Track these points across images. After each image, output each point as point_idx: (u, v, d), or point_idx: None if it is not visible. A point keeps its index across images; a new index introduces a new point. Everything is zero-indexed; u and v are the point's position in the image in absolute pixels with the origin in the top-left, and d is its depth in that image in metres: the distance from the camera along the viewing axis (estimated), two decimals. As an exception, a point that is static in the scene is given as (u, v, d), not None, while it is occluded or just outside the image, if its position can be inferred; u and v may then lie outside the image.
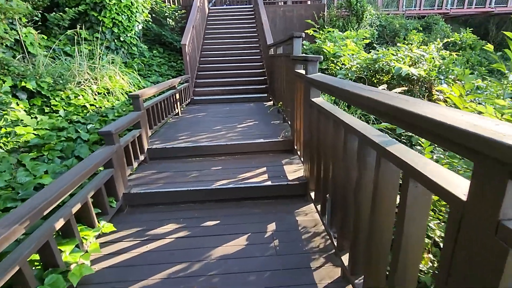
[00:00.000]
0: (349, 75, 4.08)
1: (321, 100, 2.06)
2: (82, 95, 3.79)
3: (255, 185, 2.41)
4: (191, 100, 5.61)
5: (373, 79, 4.29)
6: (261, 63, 6.65)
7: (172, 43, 7.48)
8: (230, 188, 2.39)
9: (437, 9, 12.38)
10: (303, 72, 2.38)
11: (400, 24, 10.23)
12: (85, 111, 3.60)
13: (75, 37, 4.73)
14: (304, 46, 5.40)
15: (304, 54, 2.87)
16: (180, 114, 4.62)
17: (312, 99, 2.08)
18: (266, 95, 5.72)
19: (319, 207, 2.04)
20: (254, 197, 2.42)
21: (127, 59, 6.07)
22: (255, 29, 8.02)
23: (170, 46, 7.56)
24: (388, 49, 4.37)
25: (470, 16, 13.69)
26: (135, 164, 2.71)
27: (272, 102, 5.32)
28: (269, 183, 2.42)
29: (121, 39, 5.79)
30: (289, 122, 3.32)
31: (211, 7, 9.87)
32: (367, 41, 5.41)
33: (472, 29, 10.07)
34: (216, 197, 2.40)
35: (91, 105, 3.73)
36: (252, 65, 6.63)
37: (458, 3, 12.66)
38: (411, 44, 6.17)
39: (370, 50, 5.45)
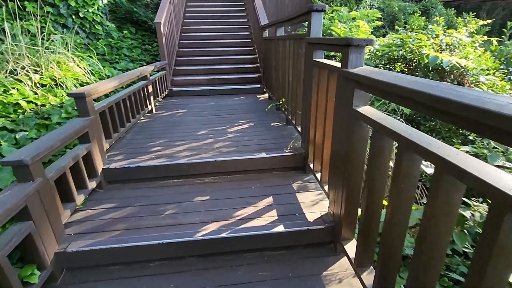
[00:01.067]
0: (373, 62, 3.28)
1: (372, 110, 1.26)
2: (16, 88, 2.80)
3: (260, 232, 1.61)
4: (169, 91, 4.66)
5: (389, 68, 3.53)
6: (251, 47, 5.72)
7: (147, 22, 6.35)
8: (223, 239, 1.58)
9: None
10: (334, 63, 1.56)
11: (399, 7, 9.47)
12: (19, 111, 2.63)
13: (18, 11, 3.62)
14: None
15: (331, 36, 2.03)
16: (154, 111, 3.69)
17: (357, 109, 1.29)
18: (259, 86, 4.85)
19: (368, 275, 1.29)
20: (259, 248, 1.63)
21: (90, 40, 4.97)
22: (243, 7, 6.99)
23: (144, 25, 6.43)
24: (411, 32, 3.59)
25: (466, 1, 13.12)
26: (80, 199, 1.84)
27: (267, 95, 4.47)
28: (280, 228, 1.63)
29: (80, 15, 4.67)
30: (298, 129, 2.51)
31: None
32: (379, 22, 4.63)
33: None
34: (203, 251, 1.60)
35: (28, 102, 2.75)
36: (242, 49, 5.69)
37: (456, -14, 12.02)
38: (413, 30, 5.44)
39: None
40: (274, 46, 3.50)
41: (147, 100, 3.50)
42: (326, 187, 1.83)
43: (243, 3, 7.17)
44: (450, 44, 3.16)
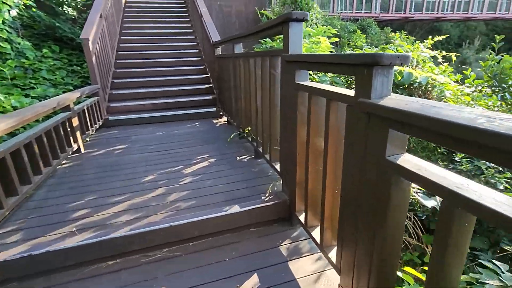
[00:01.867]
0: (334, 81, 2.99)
1: (415, 159, 0.82)
2: None
3: None
4: (104, 121, 3.82)
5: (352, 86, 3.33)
6: (202, 66, 5.18)
7: (74, 39, 5.39)
8: None
9: (365, 12, 12.71)
10: (339, 90, 1.10)
11: (340, 25, 9.95)
12: None
13: None
14: (265, 46, 4.18)
15: (325, 52, 1.59)
16: (82, 151, 2.86)
17: (395, 160, 0.83)
18: (215, 108, 4.30)
19: None
20: None
21: (-9, 61, 3.90)
22: (189, 24, 6.47)
23: (71, 43, 5.45)
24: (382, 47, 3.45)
25: (391, 21, 14.57)
26: None
27: (226, 119, 3.93)
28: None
29: (-24, 29, 3.63)
30: (276, 166, 2.01)
31: (129, -3, 7.89)
32: (336, 39, 4.53)
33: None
34: None
35: None
36: (192, 69, 5.11)
37: (383, 8, 13.29)
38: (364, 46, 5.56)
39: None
40: (232, 65, 3.02)
41: (72, 137, 2.67)
42: (331, 254, 1.33)
43: (188, 19, 6.65)
44: (416, 59, 3.06)
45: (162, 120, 4.07)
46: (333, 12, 11.95)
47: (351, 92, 1.01)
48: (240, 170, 2.30)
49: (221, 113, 4.19)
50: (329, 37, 4.59)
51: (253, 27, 1.96)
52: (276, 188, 1.94)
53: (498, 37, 3.41)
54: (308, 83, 1.39)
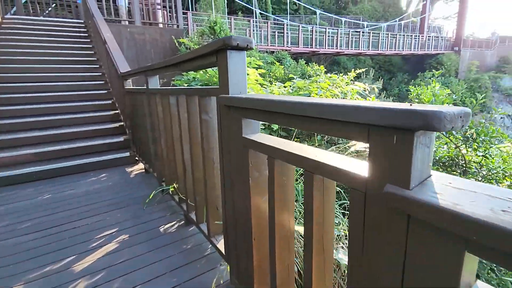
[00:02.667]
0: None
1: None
2: None
3: None
4: (-51, 187, 2.56)
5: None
6: (110, 101, 4.29)
7: None
8: None
9: (278, 46, 13.70)
10: (348, 166, 0.65)
11: (259, 56, 10.30)
12: None
13: None
14: (187, 77, 3.62)
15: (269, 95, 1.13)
16: None
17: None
18: (128, 153, 3.46)
19: None
20: None
21: None
22: (92, 51, 5.49)
23: None
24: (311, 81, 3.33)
25: (301, 54, 16.12)
26: None
27: (143, 166, 3.16)
28: None
29: None
30: (222, 248, 1.43)
31: (7, 17, 6.37)
32: (262, 70, 4.35)
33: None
34: None
35: None
36: (96, 104, 4.16)
37: (294, 43, 14.60)
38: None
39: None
40: (146, 102, 2.38)
41: None
42: None
43: (91, 45, 5.66)
44: (345, 92, 3.03)
45: (54, 174, 3.01)
46: (250, 44, 12.41)
47: (363, 171, 0.58)
48: (165, 252, 1.62)
49: (136, 158, 3.39)
50: (258, 67, 4.40)
51: (175, 57, 1.44)
52: (222, 281, 1.36)
53: (437, 72, 3.79)
54: (265, 140, 0.93)
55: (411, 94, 3.99)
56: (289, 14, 20.47)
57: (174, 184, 1.96)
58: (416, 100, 4.05)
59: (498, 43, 24.66)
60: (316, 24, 17.42)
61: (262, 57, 10.29)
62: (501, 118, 20.29)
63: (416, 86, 3.81)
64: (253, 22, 12.80)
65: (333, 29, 16.11)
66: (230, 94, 1.06)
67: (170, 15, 8.02)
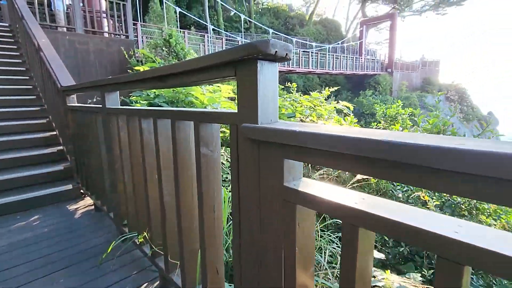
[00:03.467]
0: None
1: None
2: None
3: None
4: None
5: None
6: (44, 120, 3.51)
7: None
8: None
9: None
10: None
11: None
12: None
13: None
14: (147, 93, 3.08)
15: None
16: None
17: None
18: (70, 185, 2.77)
19: None
20: None
21: None
22: (19, 60, 4.57)
23: None
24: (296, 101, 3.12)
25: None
26: None
27: (92, 202, 2.53)
28: None
29: None
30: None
31: None
32: (230, 87, 4.03)
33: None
34: None
35: None
36: (25, 124, 3.35)
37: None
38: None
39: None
40: (101, 124, 1.88)
41: None
42: None
43: (18, 53, 4.72)
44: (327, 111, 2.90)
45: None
46: (205, 59, 12.08)
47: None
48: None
49: (82, 191, 2.73)
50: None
51: (157, 68, 1.04)
52: None
53: (327, 89, 3.91)
54: (322, 191, 0.61)
55: (377, 112, 4.09)
56: (241, 32, 20.82)
57: (145, 233, 1.49)
58: (383, 119, 4.18)
59: (421, 66, 28.54)
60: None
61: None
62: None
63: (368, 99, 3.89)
64: (208, 38, 12.56)
65: (285, 48, 16.73)
66: (260, 123, 0.72)
67: (119, 25, 7.29)
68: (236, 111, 0.79)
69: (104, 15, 7.24)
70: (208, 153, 0.98)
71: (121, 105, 1.74)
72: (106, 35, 7.23)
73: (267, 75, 0.73)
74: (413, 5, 29.30)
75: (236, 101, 0.86)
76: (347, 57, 21.40)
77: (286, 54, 0.71)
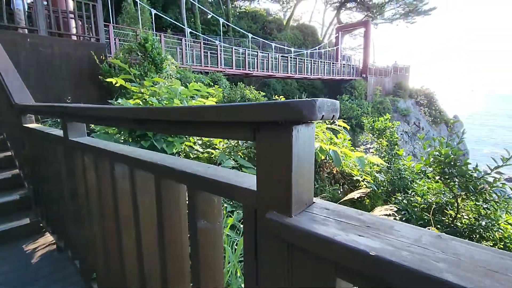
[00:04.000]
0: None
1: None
2: None
3: None
4: None
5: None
6: (-2, 138, 3.04)
7: None
8: None
9: (212, 66, 13.32)
10: None
11: (195, 77, 9.66)
12: None
13: None
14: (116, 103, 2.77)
15: None
16: None
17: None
18: (27, 219, 2.36)
19: None
20: None
21: None
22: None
23: None
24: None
25: (235, 75, 16.10)
26: None
27: (53, 241, 2.14)
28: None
29: None
30: None
31: None
32: (215, 99, 3.75)
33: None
34: None
35: None
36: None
37: (227, 64, 14.44)
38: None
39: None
40: (62, 155, 1.55)
41: None
42: None
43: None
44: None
45: None
46: (183, 64, 11.65)
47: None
48: None
49: (41, 225, 2.33)
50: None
51: (141, 109, 0.78)
52: None
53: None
54: None
55: (364, 125, 4.00)
56: (219, 36, 20.49)
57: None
58: (371, 132, 4.09)
59: (393, 72, 29.74)
60: (246, 47, 17.79)
61: (198, 78, 9.67)
62: (401, 134, 24.11)
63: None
64: (185, 41, 12.13)
65: (264, 53, 16.67)
66: (294, 213, 0.49)
67: (89, 27, 6.74)
68: (255, 186, 0.56)
69: (72, 15, 6.67)
70: (207, 226, 0.73)
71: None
72: (74, 38, 6.66)
73: (304, 142, 0.50)
74: (384, 13, 30.54)
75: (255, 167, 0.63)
76: (324, 62, 21.78)
77: (333, 116, 0.49)
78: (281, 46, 22.46)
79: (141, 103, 2.96)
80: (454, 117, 30.33)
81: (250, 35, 16.19)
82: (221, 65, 13.61)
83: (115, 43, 9.92)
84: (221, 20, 15.09)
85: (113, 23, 12.48)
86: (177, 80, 5.61)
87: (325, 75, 21.81)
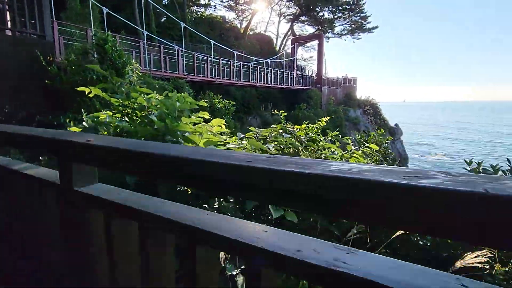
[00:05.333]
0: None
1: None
2: None
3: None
4: None
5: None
6: None
7: None
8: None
9: (171, 72, 12.46)
10: None
11: (157, 83, 8.85)
12: None
13: None
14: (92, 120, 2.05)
15: None
16: None
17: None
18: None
19: None
20: None
21: None
22: None
23: None
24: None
25: (197, 82, 15.39)
26: None
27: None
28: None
29: None
30: None
31: None
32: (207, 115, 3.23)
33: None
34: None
35: None
36: None
37: (189, 71, 13.70)
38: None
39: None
40: (63, 215, 0.98)
41: None
42: None
43: None
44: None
45: None
46: (142, 69, 10.65)
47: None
48: None
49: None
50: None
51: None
52: None
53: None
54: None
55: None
56: (175, 40, 19.50)
57: None
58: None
59: (343, 83, 31.85)
60: (207, 54, 17.23)
61: (161, 85, 8.87)
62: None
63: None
64: (143, 44, 11.13)
65: (226, 60, 16.29)
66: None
67: (32, 23, 5.61)
68: None
69: (7, 6, 5.48)
70: None
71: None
72: (9, 32, 5.46)
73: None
74: (335, 29, 32.72)
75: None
76: (283, 72, 22.27)
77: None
78: (241, 54, 22.37)
79: (127, 119, 2.35)
80: (395, 125, 33.64)
81: (212, 42, 15.68)
82: (182, 71, 12.82)
83: (59, 42, 8.60)
84: (182, 25, 14.29)
85: (55, 19, 10.88)
86: (145, 88, 4.91)
87: (284, 85, 22.29)
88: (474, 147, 36.55)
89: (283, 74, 22.19)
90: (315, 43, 30.78)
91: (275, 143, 2.67)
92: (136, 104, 2.40)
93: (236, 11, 32.89)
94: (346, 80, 32.61)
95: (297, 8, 31.86)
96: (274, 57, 26.17)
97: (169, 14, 13.98)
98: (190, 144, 1.87)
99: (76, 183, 0.88)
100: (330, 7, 30.34)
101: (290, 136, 2.77)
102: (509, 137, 41.48)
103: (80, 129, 2.40)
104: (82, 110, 3.65)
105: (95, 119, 2.32)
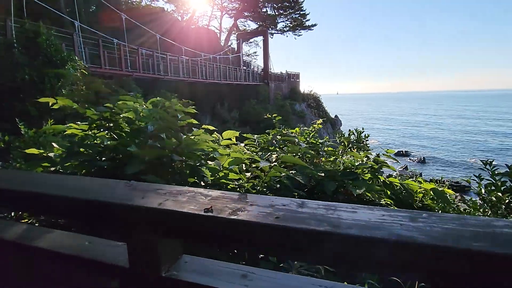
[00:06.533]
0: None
1: None
2: None
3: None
4: None
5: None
6: None
7: None
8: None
9: (111, 68, 11.17)
10: None
11: (103, 83, 7.79)
12: None
13: None
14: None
15: None
16: None
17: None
18: None
19: None
20: None
21: None
22: None
23: None
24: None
25: (144, 80, 14.14)
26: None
27: None
28: None
29: None
30: None
31: None
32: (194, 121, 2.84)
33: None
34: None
35: None
36: None
37: (133, 67, 12.46)
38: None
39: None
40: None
41: None
42: None
43: None
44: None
45: None
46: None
47: None
48: None
49: None
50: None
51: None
52: None
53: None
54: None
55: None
56: (111, 32, 17.52)
57: None
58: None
59: (287, 78, 32.98)
60: (153, 49, 15.90)
61: (107, 84, 7.82)
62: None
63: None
64: (77, 37, 9.68)
65: (174, 56, 15.30)
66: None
67: None
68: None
69: None
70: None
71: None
72: None
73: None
74: (277, 25, 33.50)
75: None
76: (232, 68, 21.99)
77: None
78: (189, 49, 21.32)
79: (115, 136, 1.91)
80: (335, 117, 36.33)
81: (158, 36, 14.49)
82: (126, 68, 11.59)
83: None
84: (124, 17, 12.83)
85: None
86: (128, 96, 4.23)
87: (234, 80, 22.05)
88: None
89: (231, 69, 21.90)
90: (258, 39, 31.12)
91: (278, 150, 2.51)
92: (120, 117, 1.98)
93: (175, 4, 31.05)
94: (290, 75, 33.83)
95: (239, 3, 31.62)
96: (221, 52, 25.64)
97: (104, 1, 12.36)
98: (216, 166, 1.58)
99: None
100: (273, 3, 30.92)
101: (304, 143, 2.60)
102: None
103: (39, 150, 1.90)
104: (16, 119, 3.00)
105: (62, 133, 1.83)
